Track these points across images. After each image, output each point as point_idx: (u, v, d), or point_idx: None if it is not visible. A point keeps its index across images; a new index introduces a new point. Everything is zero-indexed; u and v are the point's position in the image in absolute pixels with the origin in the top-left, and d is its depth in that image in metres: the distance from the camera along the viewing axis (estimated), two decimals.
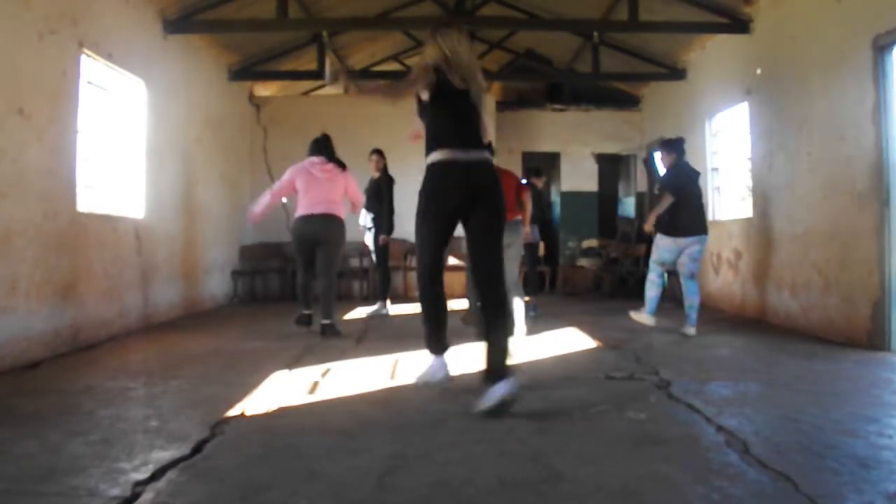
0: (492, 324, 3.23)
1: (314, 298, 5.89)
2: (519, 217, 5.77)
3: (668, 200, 5.76)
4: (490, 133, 3.54)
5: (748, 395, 3.56)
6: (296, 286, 5.97)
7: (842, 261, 5.35)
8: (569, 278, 10.97)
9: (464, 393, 3.54)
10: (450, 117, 3.33)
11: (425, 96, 3.34)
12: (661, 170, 6.30)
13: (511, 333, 3.33)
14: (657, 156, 5.89)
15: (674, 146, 6.02)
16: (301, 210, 5.71)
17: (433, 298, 3.42)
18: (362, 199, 6.10)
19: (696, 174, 5.98)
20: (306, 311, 5.86)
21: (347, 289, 10.04)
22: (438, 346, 3.48)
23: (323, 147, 5.89)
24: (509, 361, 3.21)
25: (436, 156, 3.28)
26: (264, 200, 5.84)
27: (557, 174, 11.91)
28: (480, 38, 11.24)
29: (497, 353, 3.19)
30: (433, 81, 3.29)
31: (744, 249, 7.25)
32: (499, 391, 3.09)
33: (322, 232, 5.67)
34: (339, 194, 5.82)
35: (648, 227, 5.98)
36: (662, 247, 5.87)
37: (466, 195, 3.24)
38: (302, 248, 5.78)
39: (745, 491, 2.18)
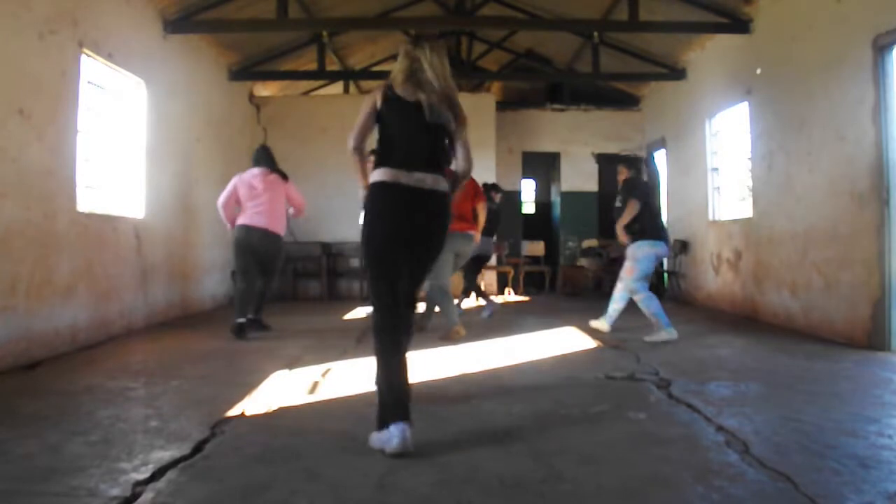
0: (401, 344, 2.77)
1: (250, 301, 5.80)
2: (471, 231, 5.92)
3: (635, 206, 5.55)
4: (463, 159, 3.02)
5: (748, 395, 3.56)
6: (244, 293, 5.73)
7: (842, 261, 5.35)
8: (569, 278, 10.97)
9: (463, 394, 3.55)
10: (398, 132, 2.88)
11: (378, 105, 2.89)
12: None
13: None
14: (618, 169, 5.94)
15: (632, 163, 6.05)
16: (245, 219, 5.71)
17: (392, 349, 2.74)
18: (304, 204, 6.18)
19: (651, 186, 6.07)
20: (242, 319, 5.59)
21: (348, 289, 10.03)
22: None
23: (263, 158, 6.00)
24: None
25: (378, 175, 2.84)
26: (223, 217, 5.87)
27: (557, 174, 11.91)
28: (480, 38, 11.25)
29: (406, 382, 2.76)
30: (383, 95, 2.88)
31: (744, 249, 7.25)
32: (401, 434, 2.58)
33: (266, 248, 5.74)
34: (282, 203, 5.91)
35: (622, 238, 5.66)
36: (643, 257, 5.55)
37: (405, 223, 2.82)
38: (246, 258, 5.71)
39: (745, 491, 2.18)
